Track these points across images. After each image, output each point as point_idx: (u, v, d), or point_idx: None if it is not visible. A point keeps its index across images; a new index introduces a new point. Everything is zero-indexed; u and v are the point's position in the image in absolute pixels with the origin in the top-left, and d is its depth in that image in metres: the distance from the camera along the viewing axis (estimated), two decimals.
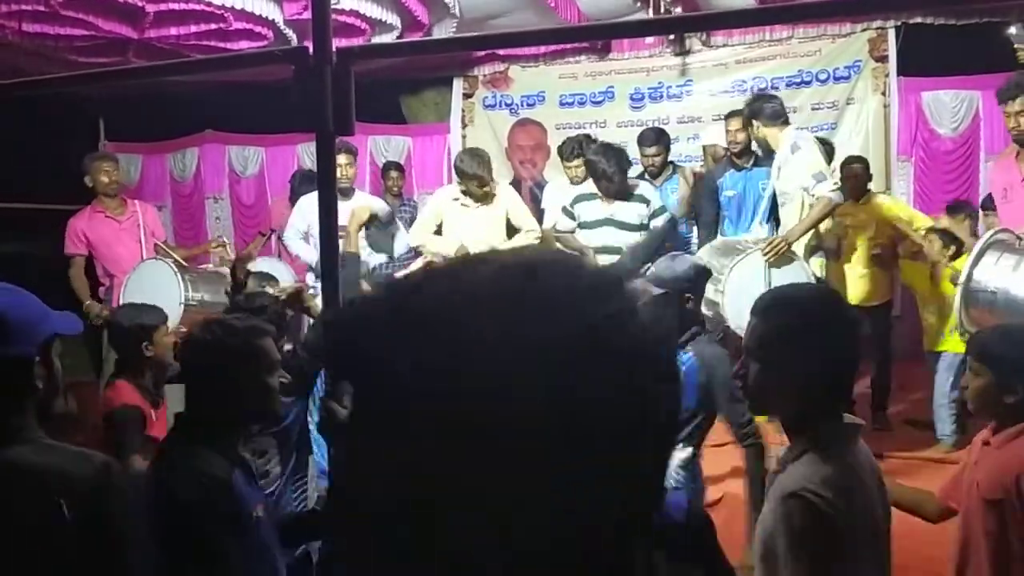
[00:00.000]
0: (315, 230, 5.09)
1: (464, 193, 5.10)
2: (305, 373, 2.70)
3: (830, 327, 1.69)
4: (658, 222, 4.86)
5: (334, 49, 2.00)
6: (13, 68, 5.46)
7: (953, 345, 4.64)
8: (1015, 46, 4.11)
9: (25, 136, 8.16)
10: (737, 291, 4.02)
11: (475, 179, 4.96)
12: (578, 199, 4.96)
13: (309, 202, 5.27)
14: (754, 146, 5.56)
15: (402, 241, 4.96)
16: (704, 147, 6.34)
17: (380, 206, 5.18)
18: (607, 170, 4.64)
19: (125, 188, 7.96)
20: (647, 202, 4.85)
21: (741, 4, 6.07)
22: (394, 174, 6.95)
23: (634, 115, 7.40)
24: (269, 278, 3.85)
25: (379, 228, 4.78)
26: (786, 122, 4.60)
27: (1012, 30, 4.31)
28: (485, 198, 5.07)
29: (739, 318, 3.75)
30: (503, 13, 6.24)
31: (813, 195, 4.23)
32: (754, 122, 4.54)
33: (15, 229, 9.02)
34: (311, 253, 5.12)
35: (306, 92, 1.99)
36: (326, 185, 2.09)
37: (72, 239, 5.27)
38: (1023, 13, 5.47)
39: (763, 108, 4.39)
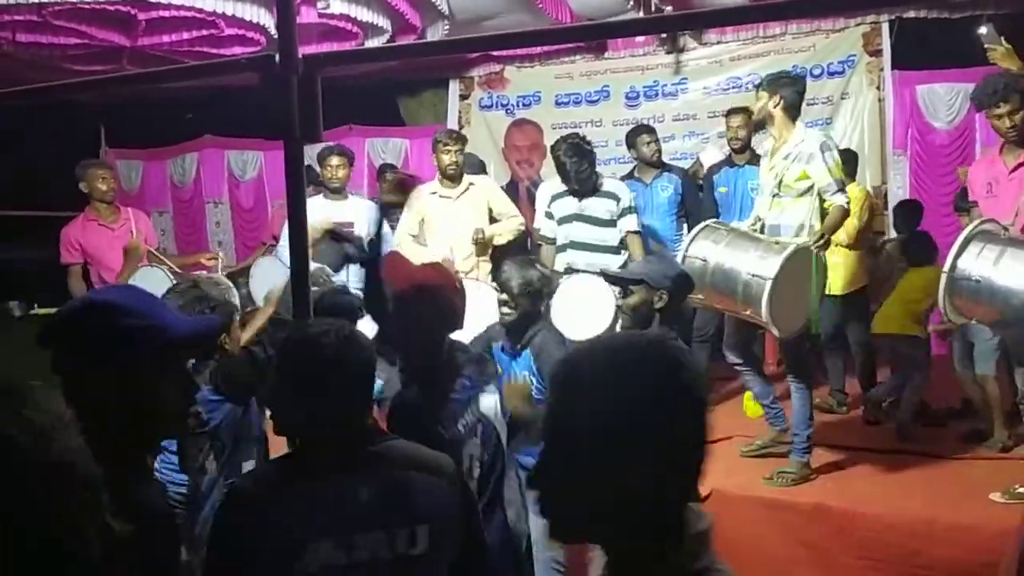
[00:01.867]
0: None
1: (442, 175, 5.16)
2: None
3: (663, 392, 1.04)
4: (625, 223, 4.85)
5: (300, 57, 2.03)
6: (11, 78, 5.51)
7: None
8: (985, 46, 4.06)
9: (27, 144, 8.23)
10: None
11: (440, 142, 5.17)
12: (554, 198, 4.97)
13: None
14: (753, 142, 5.56)
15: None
16: (699, 158, 6.37)
17: (362, 215, 5.25)
18: (569, 168, 4.67)
19: (125, 194, 8.04)
20: (617, 199, 4.83)
21: (733, 1, 6.07)
22: (389, 176, 6.98)
23: (630, 114, 7.40)
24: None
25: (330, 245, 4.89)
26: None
27: (982, 30, 4.27)
28: (457, 178, 5.13)
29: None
30: (495, 15, 6.26)
31: (828, 200, 4.14)
32: (769, 96, 4.15)
33: (18, 236, 9.09)
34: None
35: (272, 100, 2.01)
36: (295, 192, 2.11)
37: (67, 248, 5.31)
38: (996, 11, 5.44)
39: (791, 92, 4.12)
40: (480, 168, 6.27)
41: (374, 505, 1.73)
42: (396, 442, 1.87)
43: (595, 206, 4.80)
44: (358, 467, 1.77)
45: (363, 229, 5.29)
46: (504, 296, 3.28)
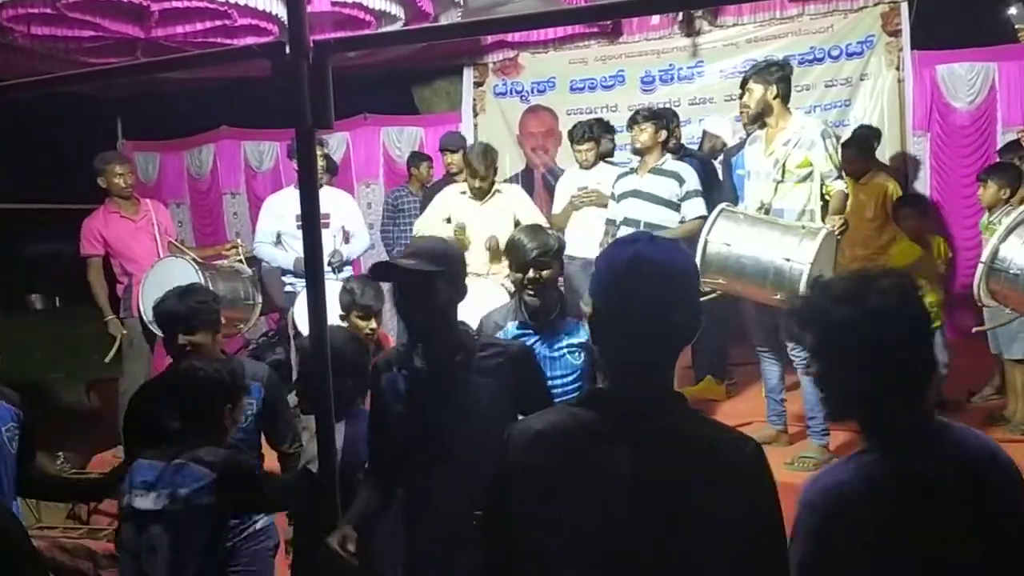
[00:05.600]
0: (284, 227, 5.16)
1: (469, 187, 5.14)
2: None
3: None
4: (690, 207, 4.79)
5: (310, 43, 2.01)
6: (26, 72, 5.54)
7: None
8: (1016, 26, 3.99)
9: (45, 138, 8.31)
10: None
11: (468, 167, 5.05)
12: (620, 176, 5.02)
13: (276, 202, 5.31)
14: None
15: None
16: (704, 132, 6.29)
17: (335, 207, 5.23)
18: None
19: (143, 186, 8.08)
20: (681, 180, 4.79)
21: None
22: (424, 164, 6.98)
23: (645, 98, 7.33)
24: None
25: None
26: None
27: (1012, 10, 4.19)
28: (483, 193, 5.09)
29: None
30: (508, 0, 6.22)
31: (829, 186, 4.13)
32: (764, 87, 4.17)
33: (36, 230, 9.19)
34: (284, 256, 5.14)
35: (283, 87, 2.00)
36: (307, 181, 2.10)
37: (89, 240, 5.31)
38: None
39: (784, 79, 4.16)
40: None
41: None
42: None
43: (654, 184, 4.77)
44: None
45: (338, 222, 5.30)
46: (530, 274, 2.96)
